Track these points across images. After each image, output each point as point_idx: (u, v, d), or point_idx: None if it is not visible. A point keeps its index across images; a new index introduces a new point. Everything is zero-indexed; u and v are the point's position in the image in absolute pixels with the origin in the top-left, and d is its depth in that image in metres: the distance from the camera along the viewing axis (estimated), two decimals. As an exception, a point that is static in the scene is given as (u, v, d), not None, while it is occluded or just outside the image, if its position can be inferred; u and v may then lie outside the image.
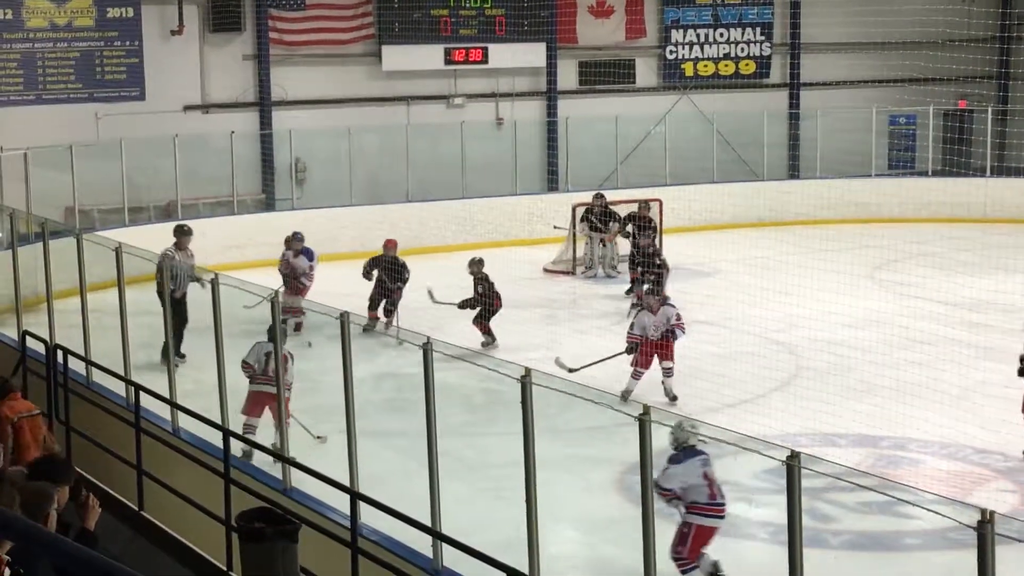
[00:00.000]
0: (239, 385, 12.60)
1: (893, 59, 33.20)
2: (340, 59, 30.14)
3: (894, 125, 34.80)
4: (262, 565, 7.49)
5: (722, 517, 11.25)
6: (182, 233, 19.30)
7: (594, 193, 26.14)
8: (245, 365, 13.99)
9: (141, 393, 12.20)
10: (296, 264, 21.10)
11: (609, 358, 16.98)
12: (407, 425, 14.78)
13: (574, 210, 26.03)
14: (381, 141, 29.98)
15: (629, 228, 24.70)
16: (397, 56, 30.37)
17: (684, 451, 11.18)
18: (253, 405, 14.01)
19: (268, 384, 13.34)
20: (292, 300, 19.33)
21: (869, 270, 25.03)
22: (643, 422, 7.87)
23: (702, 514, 11.17)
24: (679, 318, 17.14)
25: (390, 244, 21.45)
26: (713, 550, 11.55)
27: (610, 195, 27.11)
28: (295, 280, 20.91)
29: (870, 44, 34.00)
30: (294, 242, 21.24)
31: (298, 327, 19.43)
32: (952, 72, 32.71)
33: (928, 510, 7.33)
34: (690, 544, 11.16)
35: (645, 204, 25.08)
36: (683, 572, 11.22)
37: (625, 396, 16.04)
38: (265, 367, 13.65)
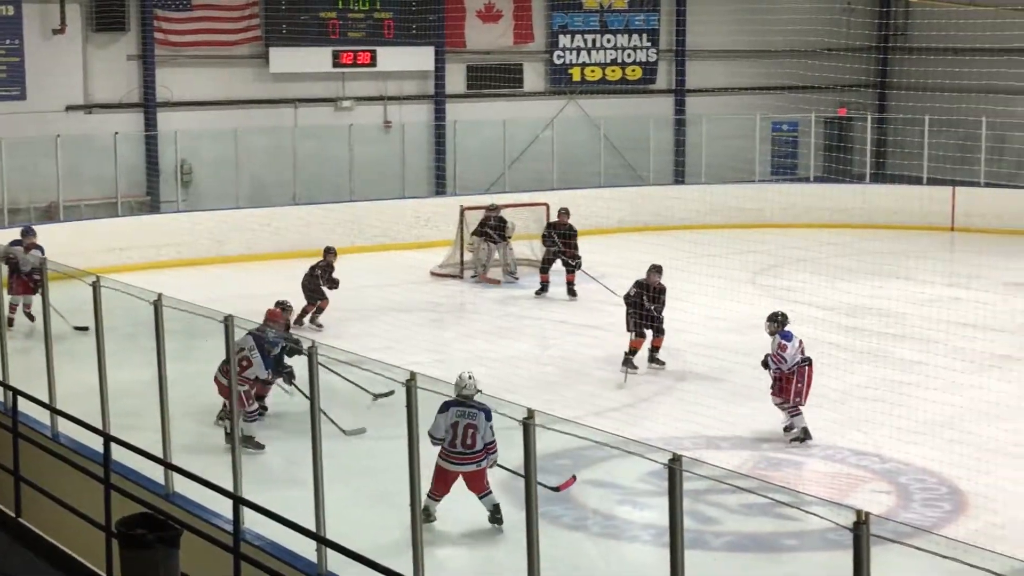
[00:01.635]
0: (120, 389, 12.41)
1: (776, 67, 33.65)
2: (227, 60, 29.85)
3: (777, 132, 35.27)
4: (143, 571, 7.41)
5: (454, 463, 12.30)
6: (27, 234, 20.12)
7: (487, 205, 25.89)
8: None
9: (19, 398, 11.97)
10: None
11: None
12: (292, 428, 14.71)
13: (462, 213, 26.03)
14: (268, 143, 29.75)
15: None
16: (284, 58, 30.16)
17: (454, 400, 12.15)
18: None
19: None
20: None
21: (751, 275, 25.34)
22: (527, 426, 7.88)
23: (443, 457, 12.27)
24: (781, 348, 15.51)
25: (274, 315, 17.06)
26: (598, 552, 11.60)
27: (498, 199, 27.17)
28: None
29: (754, 52, 34.43)
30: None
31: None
32: (833, 80, 33.21)
33: (806, 511, 7.43)
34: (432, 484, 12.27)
35: (565, 211, 24.77)
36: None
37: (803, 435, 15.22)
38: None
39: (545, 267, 23.86)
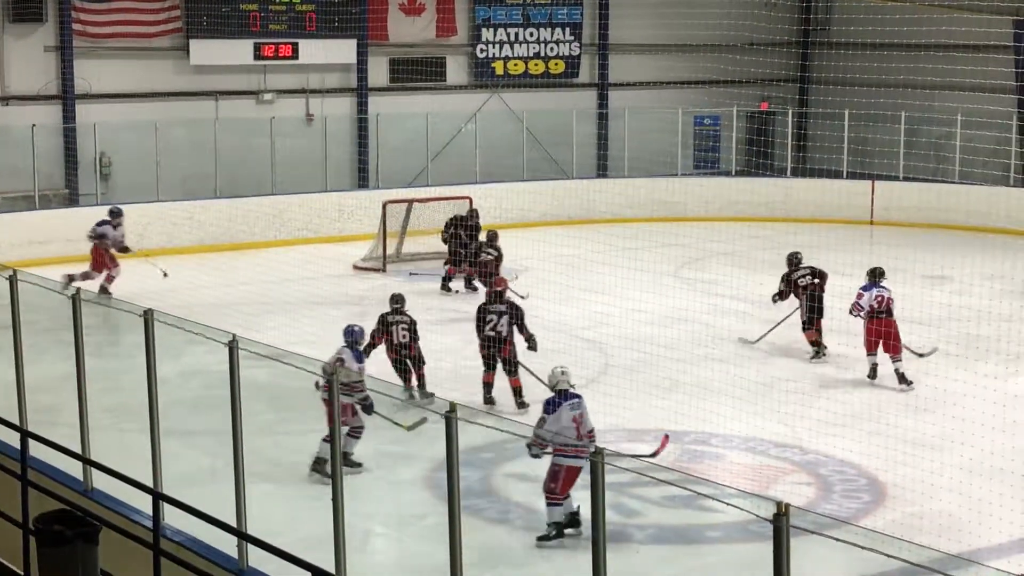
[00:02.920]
0: (37, 384, 12.27)
1: (698, 61, 33.85)
2: (147, 52, 29.55)
3: (699, 126, 35.48)
4: (62, 568, 7.32)
5: (585, 458, 11.44)
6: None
7: (469, 210, 25.00)
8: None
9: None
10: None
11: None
12: (214, 424, 14.60)
13: (384, 208, 25.95)
14: (189, 136, 29.52)
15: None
16: (205, 50, 29.91)
17: (557, 395, 12.20)
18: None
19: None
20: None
21: (674, 268, 25.48)
22: (449, 420, 7.88)
23: (568, 456, 11.90)
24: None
25: None
26: (521, 546, 11.63)
27: (419, 192, 27.13)
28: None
29: (676, 46, 34.60)
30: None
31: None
32: (755, 75, 33.46)
33: (728, 504, 7.49)
34: (560, 482, 11.90)
35: (474, 210, 24.79)
36: (549, 507, 11.99)
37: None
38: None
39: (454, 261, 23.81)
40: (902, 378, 17.09)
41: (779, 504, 6.33)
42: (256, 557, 9.20)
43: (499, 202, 29.42)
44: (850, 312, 17.76)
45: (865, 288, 17.81)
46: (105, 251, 22.63)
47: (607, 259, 23.54)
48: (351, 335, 14.51)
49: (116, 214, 23.26)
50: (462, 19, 33.36)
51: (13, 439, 10.96)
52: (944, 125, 31.25)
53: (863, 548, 6.44)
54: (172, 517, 9.71)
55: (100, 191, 28.32)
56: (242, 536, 9.18)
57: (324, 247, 27.79)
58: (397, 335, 16.58)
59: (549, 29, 34.37)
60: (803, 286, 19.21)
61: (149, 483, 9.83)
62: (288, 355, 10.39)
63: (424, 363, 16.60)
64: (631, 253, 24.90)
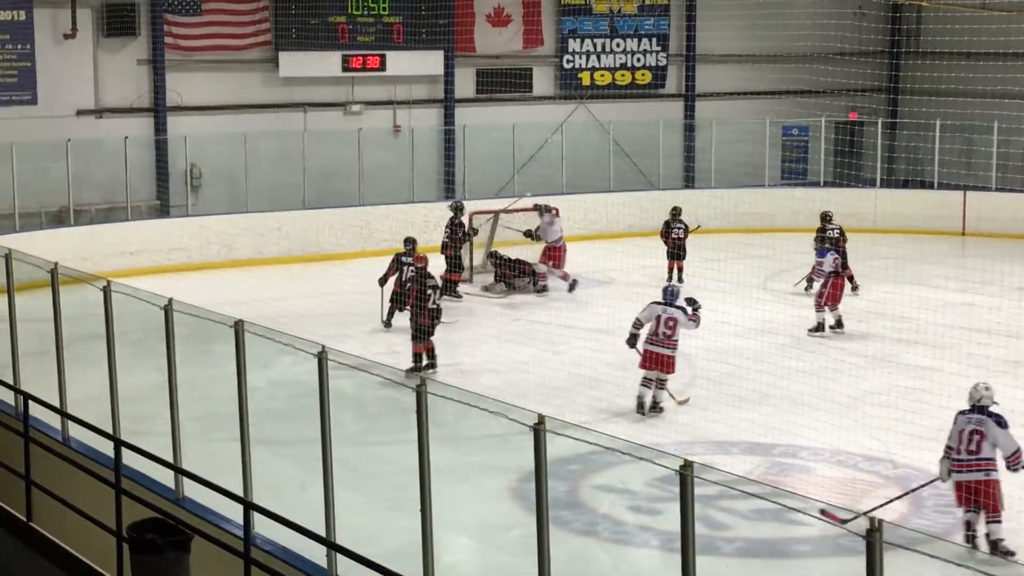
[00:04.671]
0: (130, 394, 12.43)
1: (786, 71, 33.64)
2: (237, 65, 29.89)
3: (787, 136, 35.25)
4: (153, 576, 7.42)
5: (961, 472, 12.35)
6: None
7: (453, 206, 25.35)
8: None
9: (30, 402, 11.99)
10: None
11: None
12: (302, 434, 14.71)
13: (471, 218, 26.01)
14: (278, 148, 29.79)
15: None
16: (294, 62, 30.20)
17: (973, 409, 12.57)
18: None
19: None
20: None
21: (762, 279, 25.32)
22: (538, 431, 7.89)
23: (953, 469, 12.45)
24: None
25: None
26: (608, 557, 11.58)
27: (507, 203, 27.15)
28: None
29: (764, 56, 34.42)
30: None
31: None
32: (844, 85, 33.22)
33: (817, 518, 7.42)
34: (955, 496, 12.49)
35: (456, 205, 25.27)
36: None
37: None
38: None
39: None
40: (838, 323, 20.84)
41: (872, 519, 6.27)
42: (345, 566, 9.25)
43: (585, 213, 29.43)
44: (811, 277, 22.40)
45: (820, 255, 21.61)
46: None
47: (694, 270, 23.42)
48: None
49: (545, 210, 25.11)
50: (549, 30, 33.40)
51: (107, 448, 11.11)
52: (1038, 135, 30.81)
53: (957, 564, 6.35)
54: (262, 526, 9.79)
55: (190, 202, 28.67)
56: (331, 546, 9.23)
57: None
58: (405, 273, 20.20)
59: (636, 39, 34.33)
60: (833, 239, 22.65)
61: (240, 492, 9.93)
62: (375, 366, 10.44)
63: (439, 319, 18.91)
64: (718, 264, 24.75)
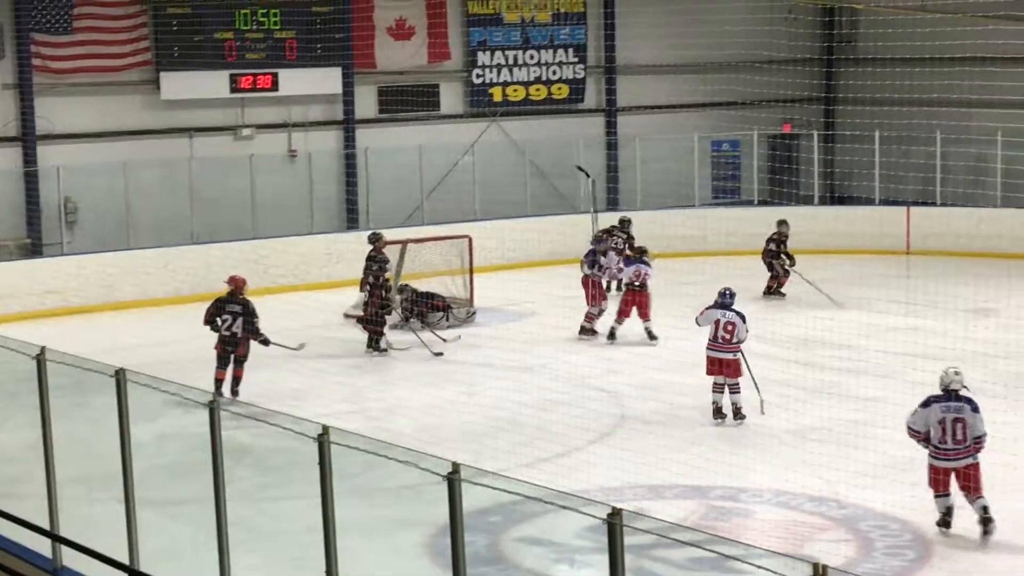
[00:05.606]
0: (0, 452, 12.27)
1: (714, 82, 33.97)
2: (114, 87, 29.68)
3: (717, 152, 35.54)
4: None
5: (951, 459, 13.64)
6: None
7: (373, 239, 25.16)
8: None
9: None
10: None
11: None
12: (195, 492, 14.57)
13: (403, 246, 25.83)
14: (162, 177, 29.61)
15: None
16: (177, 84, 30.04)
17: (949, 396, 13.72)
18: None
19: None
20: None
21: (693, 309, 25.40)
22: (452, 481, 7.88)
23: (930, 455, 13.75)
24: None
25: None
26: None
27: (414, 232, 27.13)
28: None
29: (689, 66, 34.71)
30: None
31: None
32: (775, 95, 33.60)
33: (758, 566, 7.46)
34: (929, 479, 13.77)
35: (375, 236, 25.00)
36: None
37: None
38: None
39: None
40: (650, 335, 22.65)
41: (815, 565, 6.32)
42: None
43: (501, 241, 29.47)
44: (607, 278, 24.62)
45: (627, 263, 23.60)
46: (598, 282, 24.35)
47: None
48: None
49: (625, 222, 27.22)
50: (456, 42, 33.47)
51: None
52: (983, 145, 31.28)
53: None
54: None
55: (65, 240, 28.38)
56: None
57: (311, 294, 27.82)
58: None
59: (551, 51, 34.50)
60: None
61: (124, 560, 9.82)
62: (272, 415, 10.38)
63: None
64: (646, 293, 24.84)
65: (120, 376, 10.14)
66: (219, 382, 19.64)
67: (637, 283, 22.84)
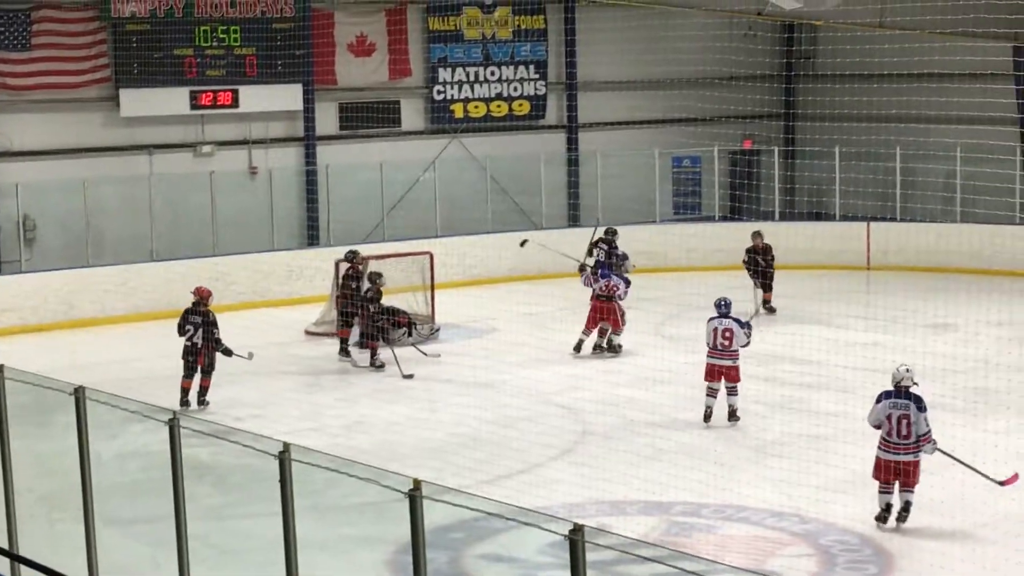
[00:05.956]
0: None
1: (674, 98, 34.11)
2: (73, 104, 29.54)
3: (677, 168, 35.63)
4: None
5: (895, 453, 14.42)
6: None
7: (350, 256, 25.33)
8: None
9: None
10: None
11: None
12: (155, 510, 14.53)
13: (337, 266, 25.93)
14: (121, 194, 29.49)
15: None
16: (137, 100, 29.93)
17: (899, 393, 14.51)
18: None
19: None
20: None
21: (655, 325, 25.54)
22: (414, 498, 7.89)
23: (879, 446, 14.55)
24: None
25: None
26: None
27: (376, 248, 27.12)
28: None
29: (650, 82, 34.86)
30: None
31: None
32: (736, 111, 33.74)
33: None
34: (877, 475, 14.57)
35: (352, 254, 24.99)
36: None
37: None
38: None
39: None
40: (611, 346, 23.18)
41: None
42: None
43: (462, 258, 29.48)
44: (583, 282, 24.16)
45: (603, 275, 23.43)
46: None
47: (581, 317, 23.54)
48: None
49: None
50: (417, 59, 33.48)
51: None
52: (942, 161, 31.46)
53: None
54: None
55: (24, 257, 28.23)
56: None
57: (272, 311, 27.76)
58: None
59: (512, 67, 34.56)
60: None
61: (85, 579, 9.78)
62: (233, 432, 10.38)
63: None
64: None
65: (79, 394, 10.12)
66: (185, 391, 20.12)
67: (605, 294, 23.06)
